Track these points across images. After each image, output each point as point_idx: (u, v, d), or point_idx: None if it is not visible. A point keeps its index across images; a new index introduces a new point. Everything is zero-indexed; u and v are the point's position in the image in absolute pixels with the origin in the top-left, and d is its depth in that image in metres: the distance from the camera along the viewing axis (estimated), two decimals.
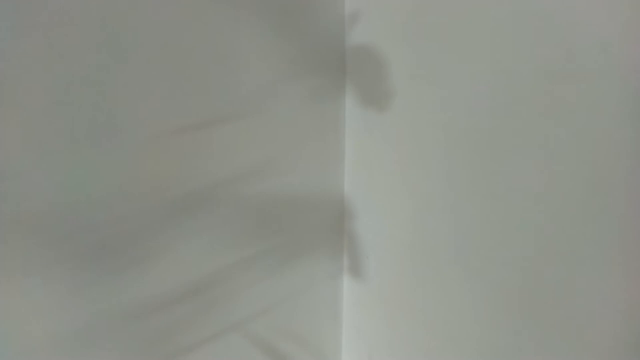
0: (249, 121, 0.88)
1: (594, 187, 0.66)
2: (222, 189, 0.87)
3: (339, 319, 1.06)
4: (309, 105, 0.96)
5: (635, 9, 0.61)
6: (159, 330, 0.82)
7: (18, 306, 0.71)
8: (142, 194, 0.79)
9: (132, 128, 0.77)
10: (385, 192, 0.95)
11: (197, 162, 0.84)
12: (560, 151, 0.69)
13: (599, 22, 0.64)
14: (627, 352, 0.65)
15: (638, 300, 0.63)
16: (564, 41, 0.67)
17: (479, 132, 0.78)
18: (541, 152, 0.71)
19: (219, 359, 0.89)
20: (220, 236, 0.88)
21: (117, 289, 0.78)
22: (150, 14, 0.77)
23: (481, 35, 0.77)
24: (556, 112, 0.69)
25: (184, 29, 0.80)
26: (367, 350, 1.01)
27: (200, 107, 0.83)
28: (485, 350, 0.80)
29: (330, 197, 1.02)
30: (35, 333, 0.72)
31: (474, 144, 0.79)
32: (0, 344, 0.70)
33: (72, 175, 0.73)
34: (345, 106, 1.00)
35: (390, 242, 0.95)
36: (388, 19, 0.91)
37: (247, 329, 0.92)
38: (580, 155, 0.67)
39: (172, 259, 0.83)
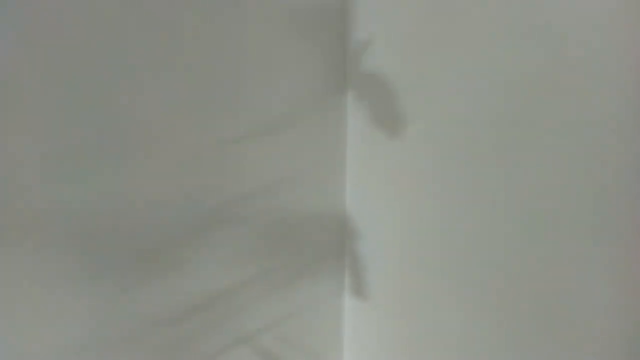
0: (253, 141, 0.89)
1: (594, 195, 0.67)
2: (230, 207, 0.87)
3: (340, 335, 1.05)
4: (311, 124, 0.97)
5: (636, 12, 0.62)
6: (171, 341, 0.83)
7: (36, 317, 0.71)
8: (154, 212, 0.80)
9: (142, 142, 0.78)
10: (387, 210, 0.95)
11: (206, 181, 0.84)
12: (564, 162, 0.70)
13: (600, 29, 0.65)
14: (626, 353, 0.65)
15: (637, 302, 0.64)
16: (567, 52, 0.69)
17: (483, 149, 0.79)
18: (545, 164, 0.72)
19: None
20: (229, 253, 0.88)
21: (129, 302, 0.78)
22: (163, 29, 0.78)
23: (482, 54, 0.78)
24: (559, 126, 0.70)
25: (194, 48, 0.82)
26: None
27: (207, 126, 0.84)
28: None
29: (332, 216, 1.02)
30: (51, 341, 0.72)
31: (477, 160, 0.80)
32: (23, 351, 0.70)
33: (90, 189, 0.74)
34: (347, 125, 1.01)
35: (392, 259, 0.95)
36: (389, 38, 0.93)
37: (253, 344, 0.92)
38: (581, 164, 0.68)
39: (184, 274, 0.83)
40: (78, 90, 0.72)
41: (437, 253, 0.86)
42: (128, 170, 0.77)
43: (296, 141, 0.95)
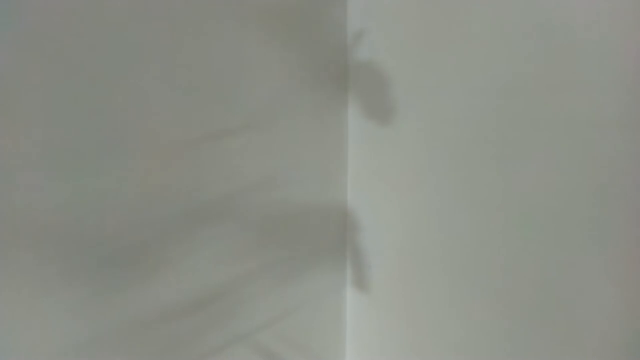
0: (253, 134, 0.89)
1: (592, 193, 0.67)
2: (229, 201, 0.88)
3: (342, 329, 1.06)
4: (312, 118, 0.97)
5: (635, 14, 0.61)
6: (167, 340, 0.83)
7: (27, 317, 0.71)
8: (151, 206, 0.80)
9: (140, 139, 0.78)
10: (389, 204, 0.95)
11: (204, 175, 0.85)
12: (561, 158, 0.70)
13: (599, 30, 0.65)
14: (625, 354, 0.65)
15: (637, 303, 0.64)
16: (565, 51, 0.68)
17: (482, 143, 0.79)
18: (543, 160, 0.72)
19: None
20: (227, 248, 0.88)
21: (125, 300, 0.78)
22: (158, 25, 0.78)
23: (482, 49, 0.77)
24: (557, 122, 0.70)
25: (192, 43, 0.81)
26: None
27: (206, 120, 0.84)
28: (489, 358, 0.81)
29: (333, 209, 1.02)
30: (44, 344, 0.73)
31: (476, 154, 0.80)
32: (15, 351, 0.71)
33: (82, 186, 0.74)
34: (348, 118, 1.01)
35: (394, 253, 0.95)
36: (390, 33, 0.92)
37: (253, 340, 0.92)
38: (580, 163, 0.68)
39: (181, 271, 0.83)
40: (71, 87, 0.72)
41: (439, 246, 0.87)
42: (124, 167, 0.77)
43: (297, 134, 0.95)
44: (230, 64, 0.86)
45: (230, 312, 0.89)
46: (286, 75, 0.92)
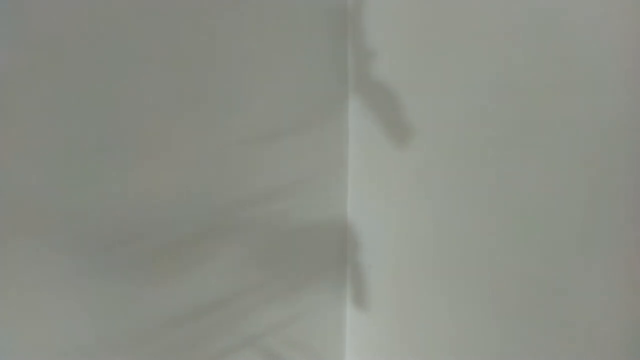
0: (253, 148, 0.89)
1: (592, 193, 0.67)
2: (234, 214, 0.87)
3: (342, 344, 1.06)
4: (313, 131, 0.96)
5: (635, 14, 0.61)
6: (173, 345, 0.83)
7: (32, 320, 0.71)
8: (159, 213, 0.80)
9: (138, 144, 0.78)
10: (389, 219, 0.95)
11: (211, 186, 0.84)
12: (561, 159, 0.70)
13: (599, 30, 0.65)
14: (625, 354, 0.65)
15: (637, 303, 0.63)
16: (565, 51, 0.68)
17: (484, 158, 0.78)
18: (543, 163, 0.71)
19: None
20: (231, 260, 0.88)
21: (131, 304, 0.79)
22: (160, 25, 0.78)
23: (482, 55, 0.77)
24: (557, 123, 0.70)
25: (194, 48, 0.81)
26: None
27: (205, 130, 0.84)
28: None
29: (333, 224, 1.01)
30: (51, 345, 0.73)
31: (478, 170, 0.79)
32: (28, 354, 0.71)
33: (101, 189, 0.74)
34: (349, 132, 1.00)
35: (393, 266, 0.95)
36: (394, 47, 0.91)
37: (254, 353, 0.92)
38: (580, 163, 0.68)
39: (186, 279, 0.84)
40: (83, 90, 0.72)
41: (439, 263, 0.86)
42: (133, 172, 0.77)
43: (298, 149, 0.94)
44: (233, 78, 0.85)
45: (233, 324, 0.89)
46: (288, 89, 0.92)
